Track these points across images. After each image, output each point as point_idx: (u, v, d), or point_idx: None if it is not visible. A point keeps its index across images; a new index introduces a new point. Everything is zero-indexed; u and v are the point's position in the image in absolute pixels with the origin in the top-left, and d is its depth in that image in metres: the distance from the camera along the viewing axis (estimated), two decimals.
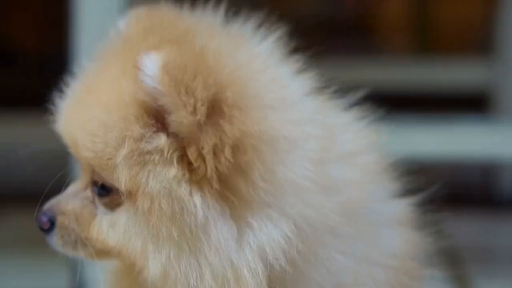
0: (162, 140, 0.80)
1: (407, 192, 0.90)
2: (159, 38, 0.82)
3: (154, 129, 0.80)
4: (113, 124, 0.81)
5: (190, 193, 0.79)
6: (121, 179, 0.81)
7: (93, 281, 1.47)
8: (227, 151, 0.78)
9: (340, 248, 0.82)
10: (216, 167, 0.78)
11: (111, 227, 0.84)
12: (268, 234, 0.79)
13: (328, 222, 0.80)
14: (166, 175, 0.80)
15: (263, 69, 0.82)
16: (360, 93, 0.89)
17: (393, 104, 2.01)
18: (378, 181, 0.86)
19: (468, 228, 1.98)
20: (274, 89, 0.81)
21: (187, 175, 0.79)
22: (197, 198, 0.79)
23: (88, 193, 0.86)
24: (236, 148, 0.78)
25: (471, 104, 2.17)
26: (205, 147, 0.78)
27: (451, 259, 1.77)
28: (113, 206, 0.84)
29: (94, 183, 0.86)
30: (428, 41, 2.50)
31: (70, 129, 0.86)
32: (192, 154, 0.79)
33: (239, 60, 0.82)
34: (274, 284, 0.80)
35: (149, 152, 0.80)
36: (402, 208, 0.88)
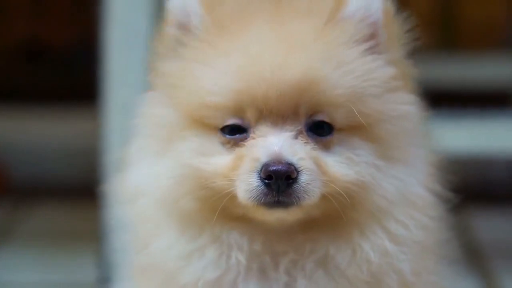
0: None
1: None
2: None
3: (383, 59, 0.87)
4: (353, 59, 0.85)
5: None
6: (368, 110, 0.84)
7: (119, 275, 1.49)
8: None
9: None
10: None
11: (345, 165, 0.83)
12: None
13: None
14: (407, 98, 0.88)
15: None
16: None
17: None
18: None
19: (494, 224, 1.98)
20: None
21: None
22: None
23: (304, 138, 0.83)
24: None
25: (495, 100, 2.16)
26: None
27: (477, 254, 1.77)
28: (328, 146, 0.84)
29: (311, 127, 0.84)
30: (452, 37, 2.49)
31: (308, 69, 0.83)
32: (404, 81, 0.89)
33: None
34: None
35: (389, 81, 0.87)
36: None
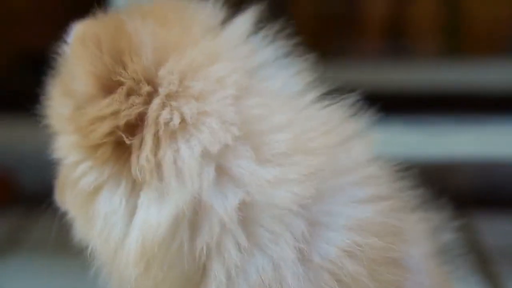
0: (65, 107, 0.82)
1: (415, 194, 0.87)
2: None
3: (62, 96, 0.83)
4: None
5: (80, 160, 0.81)
6: None
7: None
8: (118, 127, 0.79)
9: (240, 242, 0.78)
10: (104, 139, 0.79)
11: None
12: (150, 215, 0.78)
13: (220, 214, 0.78)
14: (64, 142, 0.82)
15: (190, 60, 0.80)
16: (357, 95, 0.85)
17: (424, 105, 2.02)
18: (339, 182, 0.81)
19: (501, 228, 1.98)
20: (187, 77, 0.80)
21: (82, 142, 0.80)
22: (84, 166, 0.80)
23: None
24: (128, 126, 0.79)
25: (503, 104, 2.17)
26: (91, 119, 0.79)
27: (483, 259, 1.77)
28: None
29: None
30: (458, 41, 2.50)
31: None
32: (83, 122, 0.80)
33: (160, 42, 0.80)
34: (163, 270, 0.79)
35: (61, 119, 0.83)
36: (369, 215, 0.81)
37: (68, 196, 0.85)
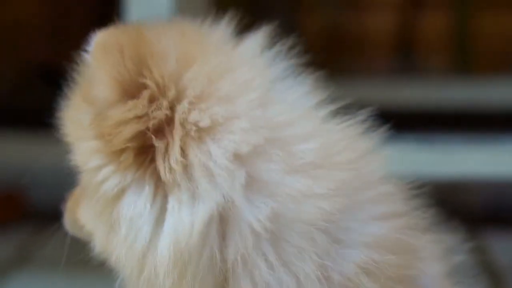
0: (85, 113, 0.81)
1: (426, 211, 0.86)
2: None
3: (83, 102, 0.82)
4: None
5: (103, 165, 0.80)
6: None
7: None
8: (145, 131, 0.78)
9: (268, 256, 0.77)
10: (127, 143, 0.78)
11: None
12: (183, 217, 0.77)
13: (251, 223, 0.77)
14: (84, 149, 0.81)
15: (212, 66, 0.80)
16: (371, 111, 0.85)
17: (435, 123, 2.02)
18: (359, 199, 0.80)
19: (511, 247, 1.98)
20: (207, 81, 0.80)
21: (104, 147, 0.79)
22: (107, 169, 0.79)
23: None
24: (153, 130, 0.78)
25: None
26: (114, 124, 0.78)
27: (495, 277, 1.77)
28: None
29: None
30: (469, 59, 2.50)
31: None
32: (105, 127, 0.79)
33: (182, 54, 0.80)
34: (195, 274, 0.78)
35: (80, 126, 0.82)
36: (386, 231, 0.80)
37: (87, 206, 0.84)
